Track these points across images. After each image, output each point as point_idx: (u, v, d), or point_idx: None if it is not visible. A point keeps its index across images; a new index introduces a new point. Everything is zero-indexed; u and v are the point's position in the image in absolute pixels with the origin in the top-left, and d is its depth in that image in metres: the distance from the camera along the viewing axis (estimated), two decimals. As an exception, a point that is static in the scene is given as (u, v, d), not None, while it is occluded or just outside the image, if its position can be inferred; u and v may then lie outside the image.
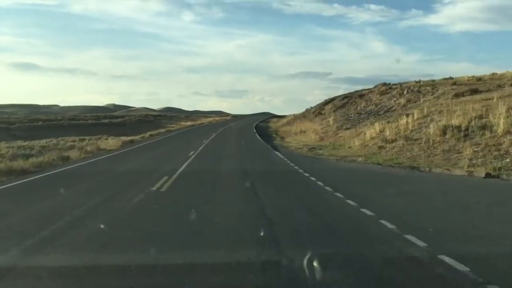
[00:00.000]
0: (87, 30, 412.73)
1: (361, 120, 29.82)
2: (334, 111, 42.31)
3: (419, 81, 36.28)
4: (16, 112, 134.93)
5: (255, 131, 45.50)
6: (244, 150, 23.29)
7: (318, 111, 48.82)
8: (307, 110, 57.20)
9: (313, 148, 23.11)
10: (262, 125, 63.10)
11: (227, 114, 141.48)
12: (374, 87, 43.60)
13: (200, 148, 23.61)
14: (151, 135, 38.93)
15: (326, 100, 52.80)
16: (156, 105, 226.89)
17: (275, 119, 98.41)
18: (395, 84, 39.98)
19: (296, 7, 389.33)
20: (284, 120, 62.55)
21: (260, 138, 32.85)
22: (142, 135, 38.01)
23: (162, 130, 47.97)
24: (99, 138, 41.74)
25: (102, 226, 6.43)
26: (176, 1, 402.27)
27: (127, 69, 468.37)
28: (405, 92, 34.90)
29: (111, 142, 29.64)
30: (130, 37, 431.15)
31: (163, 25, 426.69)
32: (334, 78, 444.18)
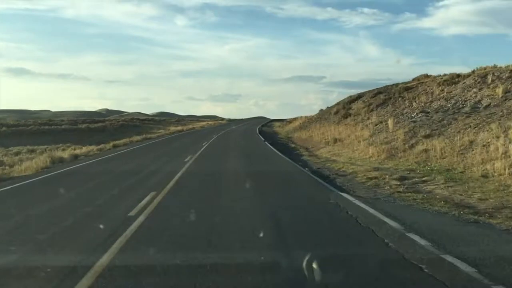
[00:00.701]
0: (80, 35, 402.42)
1: (447, 123, 18.21)
2: (371, 110, 30.71)
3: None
4: (5, 117, 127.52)
5: (262, 138, 33.88)
6: (265, 182, 11.51)
7: (343, 111, 37.19)
8: (324, 111, 45.60)
9: (405, 177, 11.43)
10: (267, 131, 51.48)
11: (222, 119, 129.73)
12: (427, 77, 32.15)
13: (175, 180, 11.88)
14: (114, 145, 27.09)
15: (350, 97, 41.20)
16: (149, 110, 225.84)
17: (277, 123, 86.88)
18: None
19: (290, 11, 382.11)
20: (294, 124, 50.86)
21: (278, 152, 21.20)
22: (101, 146, 26.18)
23: (137, 138, 36.15)
24: (56, 148, 31.04)
25: None
26: (169, 5, 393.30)
27: (120, 74, 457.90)
28: (489, 80, 23.39)
29: (40, 160, 17.78)
30: (123, 41, 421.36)
31: (156, 29, 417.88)
32: (328, 82, 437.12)
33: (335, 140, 23.81)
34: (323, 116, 42.32)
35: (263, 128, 59.45)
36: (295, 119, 66.16)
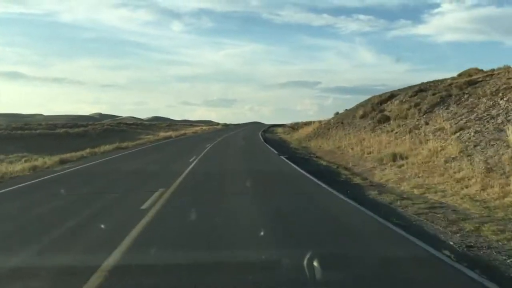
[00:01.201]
0: (75, 40, 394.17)
1: None
2: (425, 112, 22.28)
3: None
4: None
5: (274, 150, 25.40)
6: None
7: (376, 114, 28.73)
8: (343, 114, 37.16)
9: None
10: (272, 138, 43.10)
11: (217, 123, 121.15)
12: (498, 70, 23.87)
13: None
14: (60, 159, 18.37)
15: (380, 96, 32.76)
16: (144, 115, 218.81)
17: (279, 129, 78.40)
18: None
19: (286, 17, 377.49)
20: (306, 130, 42.42)
21: (312, 178, 12.64)
22: (41, 162, 17.46)
23: (106, 148, 27.63)
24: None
25: None
26: (165, 10, 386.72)
27: (115, 78, 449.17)
28: None
29: None
30: (119, 46, 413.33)
31: (152, 34, 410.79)
32: (323, 87, 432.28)
33: (394, 157, 15.33)
34: (344, 120, 33.95)
35: (266, 135, 51.01)
36: (306, 124, 57.80)
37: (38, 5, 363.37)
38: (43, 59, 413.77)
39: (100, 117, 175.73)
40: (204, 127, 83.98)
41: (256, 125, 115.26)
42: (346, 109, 38.77)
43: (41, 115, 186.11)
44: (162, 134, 62.61)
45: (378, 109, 30.35)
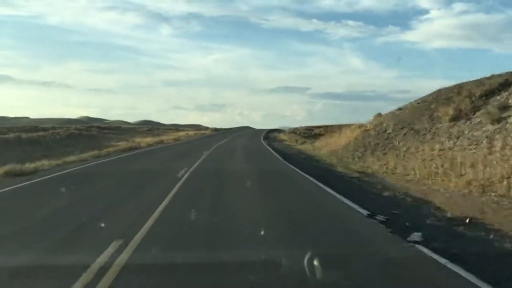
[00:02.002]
0: (64, 42, 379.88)
1: None
2: None
3: None
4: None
5: (327, 188, 11.72)
6: None
7: (488, 114, 15.63)
8: (411, 114, 23.98)
9: None
10: (291, 153, 29.64)
11: (205, 128, 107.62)
12: None
13: None
14: None
15: (476, 84, 19.60)
16: (134, 119, 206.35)
17: (281, 135, 65.51)
18: None
19: (275, 22, 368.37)
20: (338, 140, 29.07)
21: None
22: None
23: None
24: None
25: None
26: (153, 14, 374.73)
27: (104, 82, 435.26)
28: None
29: None
30: (108, 50, 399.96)
31: (140, 38, 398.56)
32: (313, 93, 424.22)
33: None
34: (412, 123, 20.77)
35: (274, 145, 37.80)
36: (327, 129, 44.75)
37: (26, 7, 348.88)
38: (31, 62, 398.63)
39: (88, 121, 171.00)
40: (190, 132, 70.46)
41: (249, 130, 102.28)
42: (400, 108, 25.58)
43: (27, 118, 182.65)
44: (138, 140, 49.54)
45: (478, 103, 17.41)
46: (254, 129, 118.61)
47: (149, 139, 51.57)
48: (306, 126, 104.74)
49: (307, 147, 31.95)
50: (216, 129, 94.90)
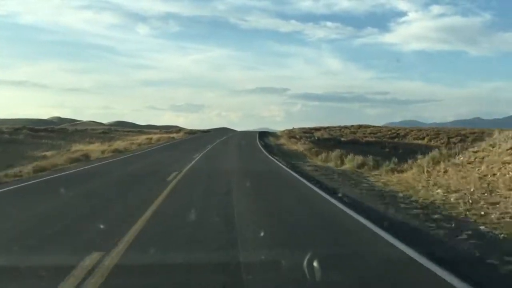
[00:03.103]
0: (38, 42, 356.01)
1: None
2: None
3: None
4: None
5: None
6: None
7: None
8: None
9: None
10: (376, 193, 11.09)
11: (178, 130, 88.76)
12: None
13: None
14: None
15: None
16: (108, 119, 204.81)
17: (281, 140, 48.09)
18: None
19: (253, 22, 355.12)
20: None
21: None
22: None
23: None
24: None
25: None
26: (130, 13, 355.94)
27: (79, 82, 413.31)
28: None
29: None
30: (83, 49, 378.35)
31: (117, 38, 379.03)
32: (291, 94, 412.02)
33: None
34: None
35: (303, 170, 19.70)
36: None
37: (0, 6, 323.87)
38: (5, 61, 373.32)
39: (59, 121, 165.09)
40: (155, 136, 51.85)
41: (231, 133, 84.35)
42: None
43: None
44: (78, 148, 32.20)
45: None
46: (235, 131, 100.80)
47: (92, 147, 33.74)
48: (301, 128, 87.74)
49: (375, 179, 14.36)
50: (191, 132, 76.36)
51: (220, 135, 53.79)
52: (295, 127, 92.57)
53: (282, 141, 43.97)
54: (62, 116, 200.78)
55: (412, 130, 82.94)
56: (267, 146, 32.80)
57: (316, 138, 57.01)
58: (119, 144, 37.46)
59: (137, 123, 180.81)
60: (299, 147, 31.99)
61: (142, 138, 49.14)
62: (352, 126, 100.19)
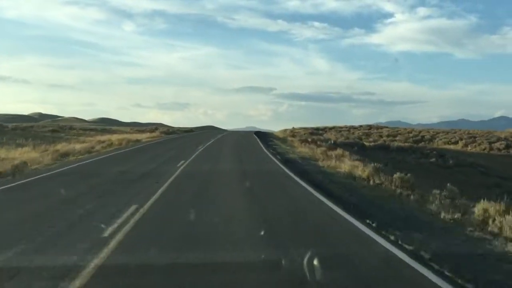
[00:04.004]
0: (22, 37, 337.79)
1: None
2: None
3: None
4: None
5: None
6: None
7: None
8: None
9: None
10: None
11: (156, 128, 73.20)
12: None
13: None
14: None
15: None
16: (90, 116, 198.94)
17: (296, 146, 33.33)
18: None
19: (241, 21, 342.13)
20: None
21: None
22: None
23: None
24: None
25: None
26: (116, 10, 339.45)
27: (63, 78, 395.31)
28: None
29: None
30: (68, 45, 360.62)
31: (102, 34, 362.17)
32: (278, 93, 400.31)
33: None
34: None
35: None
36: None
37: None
38: None
39: (39, 117, 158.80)
40: (117, 137, 36.48)
41: (218, 133, 69.66)
42: None
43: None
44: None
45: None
46: (226, 131, 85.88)
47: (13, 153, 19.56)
48: (302, 128, 73.01)
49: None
50: (169, 131, 60.96)
51: (206, 138, 38.94)
52: (295, 126, 77.76)
53: (298, 147, 29.35)
54: (44, 112, 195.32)
55: (437, 133, 69.11)
56: (290, 163, 18.10)
57: (332, 142, 42.80)
58: (52, 150, 22.53)
59: (122, 120, 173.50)
60: (339, 164, 17.28)
61: (97, 139, 34.09)
62: (361, 126, 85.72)
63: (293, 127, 72.19)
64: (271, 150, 24.55)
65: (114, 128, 68.10)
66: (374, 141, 49.61)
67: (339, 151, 24.04)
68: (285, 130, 67.93)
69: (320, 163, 18.86)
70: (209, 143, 31.93)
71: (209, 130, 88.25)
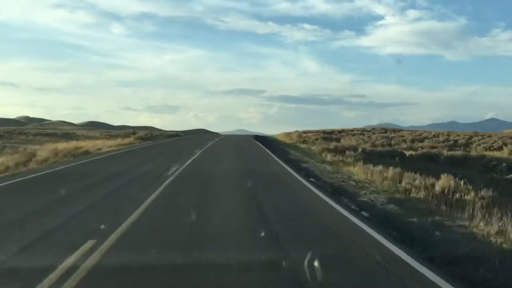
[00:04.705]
0: (10, 40, 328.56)
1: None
2: None
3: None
4: None
5: None
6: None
7: None
8: None
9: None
10: None
11: (134, 130, 61.44)
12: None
13: None
14: None
15: None
16: (79, 119, 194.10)
17: (318, 160, 21.78)
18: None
19: (231, 23, 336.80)
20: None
21: None
22: None
23: None
24: None
25: None
26: (105, 13, 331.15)
27: (52, 81, 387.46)
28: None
29: None
30: (56, 48, 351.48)
31: (91, 36, 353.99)
32: (268, 95, 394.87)
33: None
34: None
35: None
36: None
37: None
38: None
39: (27, 121, 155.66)
40: (61, 147, 24.88)
41: (209, 139, 58.49)
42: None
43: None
44: None
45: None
46: (219, 135, 74.71)
47: None
48: (306, 131, 61.73)
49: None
50: (148, 136, 49.25)
51: (191, 148, 27.52)
52: (298, 129, 66.48)
53: (343, 165, 18.05)
54: (32, 115, 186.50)
55: (471, 136, 58.23)
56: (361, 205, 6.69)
57: (360, 151, 32.09)
58: None
59: (111, 123, 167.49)
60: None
61: (48, 148, 22.73)
62: (374, 129, 74.50)
63: (296, 130, 60.81)
64: (314, 181, 13.01)
65: (91, 133, 56.30)
66: (411, 148, 38.53)
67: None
68: (288, 134, 56.72)
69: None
70: (193, 158, 20.47)
71: (198, 135, 76.41)
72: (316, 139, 43.99)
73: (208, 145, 33.01)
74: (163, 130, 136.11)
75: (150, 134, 52.85)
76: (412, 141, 52.13)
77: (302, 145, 36.79)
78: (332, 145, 34.55)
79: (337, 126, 75.22)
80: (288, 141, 44.09)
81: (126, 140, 42.20)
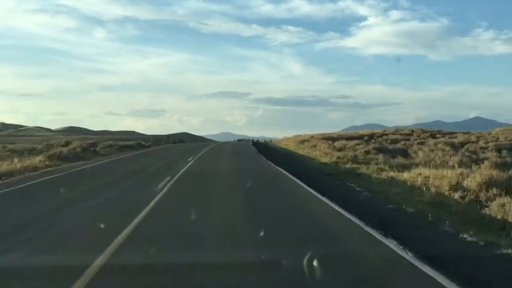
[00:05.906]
0: None
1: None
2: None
3: None
4: None
5: None
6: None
7: None
8: None
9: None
10: None
11: (90, 134, 49.02)
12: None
13: None
14: None
15: None
16: (60, 125, 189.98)
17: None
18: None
19: (214, 26, 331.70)
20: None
21: None
22: None
23: None
24: None
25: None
26: (87, 17, 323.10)
27: (34, 87, 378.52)
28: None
29: None
30: (38, 54, 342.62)
31: (73, 41, 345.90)
32: (253, 98, 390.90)
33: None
34: None
35: None
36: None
37: None
38: None
39: (2, 127, 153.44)
40: None
41: (191, 152, 46.59)
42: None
43: None
44: None
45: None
46: (211, 141, 62.70)
47: None
48: (308, 135, 50.12)
49: None
50: (133, 143, 36.23)
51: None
52: (300, 133, 54.88)
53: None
54: (8, 122, 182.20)
55: (481, 136, 46.23)
56: None
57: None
58: None
59: (92, 129, 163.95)
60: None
61: None
62: (385, 131, 62.73)
63: (299, 134, 49.35)
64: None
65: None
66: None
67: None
68: (288, 139, 45.26)
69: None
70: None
71: (176, 145, 55.05)
72: (328, 147, 31.96)
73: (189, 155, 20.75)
74: (144, 135, 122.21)
75: (145, 137, 40.02)
76: (436, 143, 40.43)
77: (316, 156, 25.25)
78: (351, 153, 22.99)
79: (322, 128, 63.35)
80: (300, 151, 32.22)
81: (66, 148, 29.72)
